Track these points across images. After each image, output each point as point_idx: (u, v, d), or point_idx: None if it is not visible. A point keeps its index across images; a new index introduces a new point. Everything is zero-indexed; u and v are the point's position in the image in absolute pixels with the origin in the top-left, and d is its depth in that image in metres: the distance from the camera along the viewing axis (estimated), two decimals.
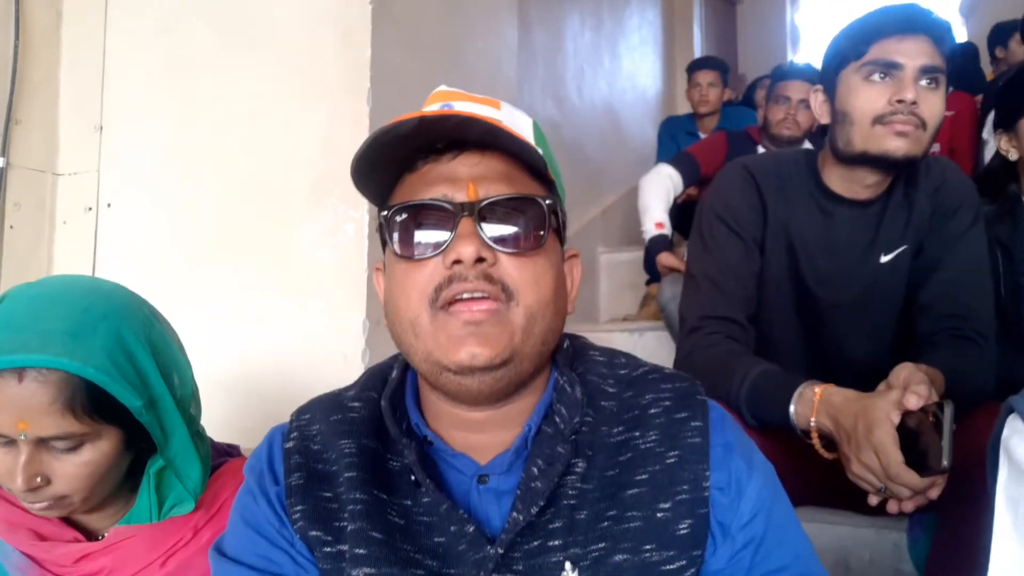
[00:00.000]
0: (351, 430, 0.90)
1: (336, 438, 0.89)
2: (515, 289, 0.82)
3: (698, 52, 6.43)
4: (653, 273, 3.21)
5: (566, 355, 0.94)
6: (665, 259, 3.00)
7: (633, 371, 0.93)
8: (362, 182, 0.89)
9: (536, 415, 0.88)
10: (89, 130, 2.11)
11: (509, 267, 0.82)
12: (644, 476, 0.85)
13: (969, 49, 4.46)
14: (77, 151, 2.12)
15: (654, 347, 3.14)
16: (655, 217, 3.10)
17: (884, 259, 1.63)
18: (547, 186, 0.89)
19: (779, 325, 1.69)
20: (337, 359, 1.80)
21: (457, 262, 0.80)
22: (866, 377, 1.59)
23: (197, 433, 1.16)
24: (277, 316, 1.85)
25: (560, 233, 0.91)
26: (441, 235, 0.82)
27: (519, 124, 0.89)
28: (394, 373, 0.94)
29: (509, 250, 0.82)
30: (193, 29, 2.03)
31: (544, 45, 3.85)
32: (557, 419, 0.87)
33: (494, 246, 0.81)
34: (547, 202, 0.85)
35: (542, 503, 0.82)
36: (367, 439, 0.89)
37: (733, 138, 3.31)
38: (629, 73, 5.23)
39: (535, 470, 0.84)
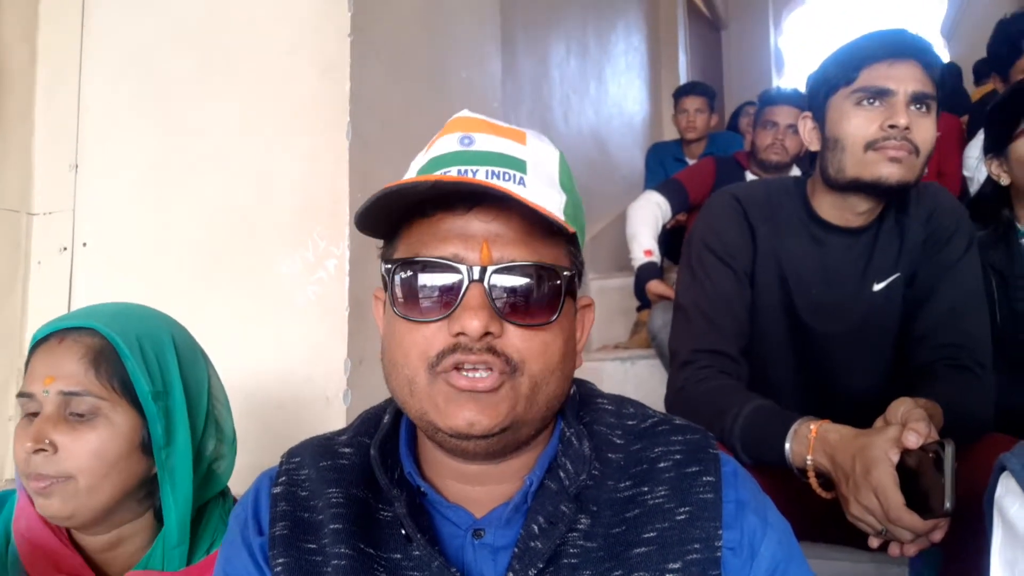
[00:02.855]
0: (340, 478, 0.86)
1: (324, 486, 0.85)
2: (520, 361, 0.77)
3: (684, 77, 6.47)
4: (644, 299, 3.18)
5: (572, 403, 0.90)
6: (655, 287, 2.97)
7: (642, 422, 0.89)
8: (368, 228, 0.84)
9: (539, 469, 0.83)
10: (64, 169, 2.06)
11: (516, 339, 0.77)
12: (652, 534, 0.80)
13: (953, 70, 4.48)
14: (52, 190, 2.07)
15: (646, 375, 3.10)
16: (643, 244, 3.07)
17: (877, 288, 1.60)
18: (565, 238, 0.84)
19: (772, 357, 1.65)
20: (319, 401, 1.74)
21: (462, 334, 0.76)
22: (863, 409, 1.55)
23: (214, 473, 1.20)
24: (256, 356, 1.80)
25: (576, 291, 0.86)
26: (448, 299, 0.77)
27: (544, 162, 0.85)
28: (386, 419, 0.89)
29: (520, 323, 0.78)
30: (168, 65, 1.99)
31: (530, 73, 3.84)
32: (562, 474, 0.83)
33: (504, 318, 0.77)
34: (565, 272, 0.80)
35: (541, 565, 0.78)
36: (356, 488, 0.85)
37: (721, 164, 3.30)
38: (616, 99, 5.23)
39: (535, 528, 0.80)
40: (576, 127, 4.45)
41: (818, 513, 1.39)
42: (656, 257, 3.08)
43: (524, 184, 0.80)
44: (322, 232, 1.78)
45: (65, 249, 2.05)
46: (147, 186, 1.99)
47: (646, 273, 3.03)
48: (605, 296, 4.05)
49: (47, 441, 1.03)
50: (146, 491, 1.13)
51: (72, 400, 1.05)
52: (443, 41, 2.29)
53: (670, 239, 3.51)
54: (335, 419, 1.73)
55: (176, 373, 1.12)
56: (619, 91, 5.33)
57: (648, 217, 3.10)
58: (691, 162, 4.02)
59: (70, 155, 2.07)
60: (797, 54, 8.69)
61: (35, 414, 1.06)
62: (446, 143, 0.84)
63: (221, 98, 1.94)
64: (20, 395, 1.08)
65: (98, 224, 2.04)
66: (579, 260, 0.86)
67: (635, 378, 3.15)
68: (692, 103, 4.08)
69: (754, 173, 3.23)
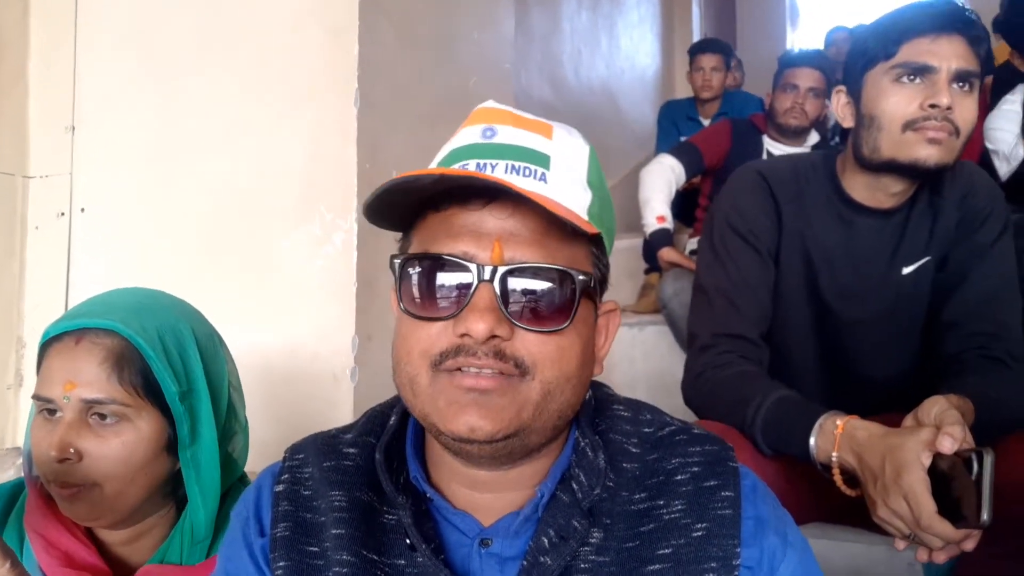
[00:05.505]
0: (344, 480, 0.83)
1: (327, 488, 0.82)
2: (532, 364, 0.73)
3: (697, 31, 6.32)
4: (653, 263, 3.13)
5: (588, 409, 0.85)
6: (667, 254, 2.92)
7: (659, 430, 0.85)
8: (380, 221, 0.80)
9: (551, 480, 0.80)
10: (60, 131, 2.00)
11: (528, 342, 0.73)
12: (667, 550, 0.77)
13: None
14: (48, 153, 2.01)
15: (655, 341, 3.06)
16: (656, 210, 3.00)
17: (905, 271, 1.53)
18: (588, 239, 0.79)
19: (795, 342, 1.60)
20: (326, 378, 1.70)
21: (467, 335, 0.71)
22: (887, 397, 1.50)
23: (231, 459, 1.17)
24: (261, 332, 1.75)
25: (596, 295, 0.81)
26: (455, 298, 0.73)
27: (570, 157, 0.80)
28: (392, 420, 0.86)
29: (530, 328, 0.73)
30: (171, 25, 1.91)
31: (541, 27, 3.74)
32: (575, 486, 0.79)
33: (513, 321, 0.72)
34: (581, 276, 0.75)
35: None
36: (360, 491, 0.82)
37: (737, 127, 3.20)
38: (627, 53, 5.11)
39: (546, 542, 0.76)
40: (587, 81, 4.35)
41: (833, 496, 1.35)
42: (669, 223, 3.01)
43: (546, 180, 0.76)
44: (329, 204, 1.72)
45: (63, 214, 1.99)
46: (148, 151, 1.92)
47: (659, 240, 2.97)
48: (612, 257, 3.96)
49: (72, 450, 1.01)
50: (171, 486, 1.12)
51: (95, 405, 1.03)
52: (454, 1, 2.20)
53: (683, 202, 3.43)
54: (343, 397, 1.69)
55: (199, 369, 1.10)
56: (631, 45, 5.21)
57: (661, 182, 3.03)
58: (705, 122, 3.92)
59: (67, 117, 2.00)
60: (813, 10, 8.45)
61: (52, 411, 1.04)
62: (468, 134, 0.80)
63: (225, 62, 1.86)
64: (37, 398, 1.05)
65: (97, 189, 1.98)
66: (603, 263, 0.82)
67: (643, 344, 3.11)
68: (708, 61, 3.95)
69: (771, 137, 3.14)
